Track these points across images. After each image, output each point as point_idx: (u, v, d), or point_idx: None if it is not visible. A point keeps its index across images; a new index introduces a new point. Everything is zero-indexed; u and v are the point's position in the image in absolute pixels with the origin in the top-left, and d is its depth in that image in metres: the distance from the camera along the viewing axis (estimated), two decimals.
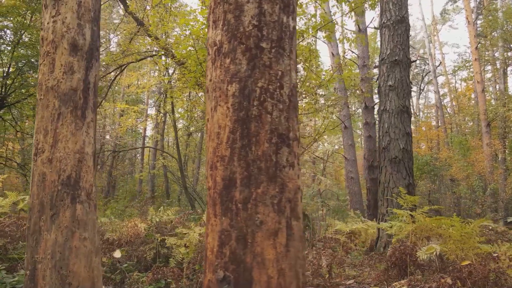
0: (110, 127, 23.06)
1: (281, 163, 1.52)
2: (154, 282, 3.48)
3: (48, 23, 2.78)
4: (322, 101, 9.40)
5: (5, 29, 13.41)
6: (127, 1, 11.34)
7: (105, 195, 22.20)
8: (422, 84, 31.99)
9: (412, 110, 32.75)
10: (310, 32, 8.02)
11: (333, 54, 14.86)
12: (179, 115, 10.53)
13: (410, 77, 13.30)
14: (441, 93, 28.87)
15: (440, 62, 28.90)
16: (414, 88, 34.15)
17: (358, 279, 4.21)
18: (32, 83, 13.64)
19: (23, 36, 13.97)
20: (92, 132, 2.81)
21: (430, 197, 15.27)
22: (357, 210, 14.28)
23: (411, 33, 37.54)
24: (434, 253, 3.30)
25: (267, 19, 1.60)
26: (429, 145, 18.48)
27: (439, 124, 21.20)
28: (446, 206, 16.47)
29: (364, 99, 14.18)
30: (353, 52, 13.99)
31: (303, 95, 7.57)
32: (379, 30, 7.25)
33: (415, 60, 10.98)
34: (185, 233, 4.71)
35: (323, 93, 9.99)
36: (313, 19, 8.24)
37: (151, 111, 26.21)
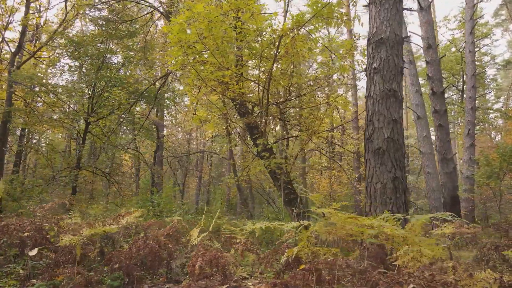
0: (196, 133, 24.64)
1: None
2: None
3: None
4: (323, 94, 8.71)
5: (87, 55, 15.45)
6: (170, 17, 12.12)
7: (195, 200, 23.79)
8: None
9: None
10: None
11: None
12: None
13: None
14: None
15: None
16: None
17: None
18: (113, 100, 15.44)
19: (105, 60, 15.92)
20: None
21: None
22: (435, 207, 12.94)
23: None
24: (292, 256, 2.85)
25: None
26: None
27: None
28: None
29: (431, 84, 12.58)
30: (414, 33, 12.56)
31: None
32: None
33: (407, 37, 9.37)
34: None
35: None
36: None
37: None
